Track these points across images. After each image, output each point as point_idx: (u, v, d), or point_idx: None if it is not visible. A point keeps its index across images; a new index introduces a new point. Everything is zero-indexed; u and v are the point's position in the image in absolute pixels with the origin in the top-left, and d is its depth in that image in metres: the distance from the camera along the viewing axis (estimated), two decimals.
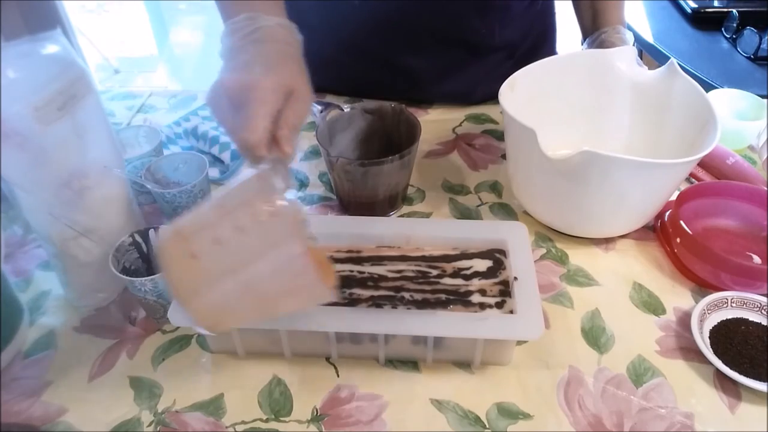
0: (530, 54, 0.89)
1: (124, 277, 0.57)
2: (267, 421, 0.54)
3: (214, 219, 0.46)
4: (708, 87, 0.82)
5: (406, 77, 0.91)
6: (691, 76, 0.70)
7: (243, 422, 0.54)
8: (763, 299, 0.60)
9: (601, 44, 0.82)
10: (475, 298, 0.57)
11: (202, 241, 0.45)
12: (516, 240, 0.61)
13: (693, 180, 0.78)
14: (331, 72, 0.93)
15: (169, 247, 0.46)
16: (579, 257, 0.69)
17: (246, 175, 0.48)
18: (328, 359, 0.59)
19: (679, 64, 0.71)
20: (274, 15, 0.54)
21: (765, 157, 0.80)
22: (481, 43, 0.88)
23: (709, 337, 0.58)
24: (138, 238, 0.61)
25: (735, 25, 1.34)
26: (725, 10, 1.39)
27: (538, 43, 0.95)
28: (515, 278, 0.57)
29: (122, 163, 0.64)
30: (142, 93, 1.02)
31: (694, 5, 1.44)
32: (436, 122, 0.92)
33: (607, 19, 0.83)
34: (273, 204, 0.45)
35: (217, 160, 0.82)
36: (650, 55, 1.37)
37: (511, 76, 0.70)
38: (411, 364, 0.58)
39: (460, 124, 0.92)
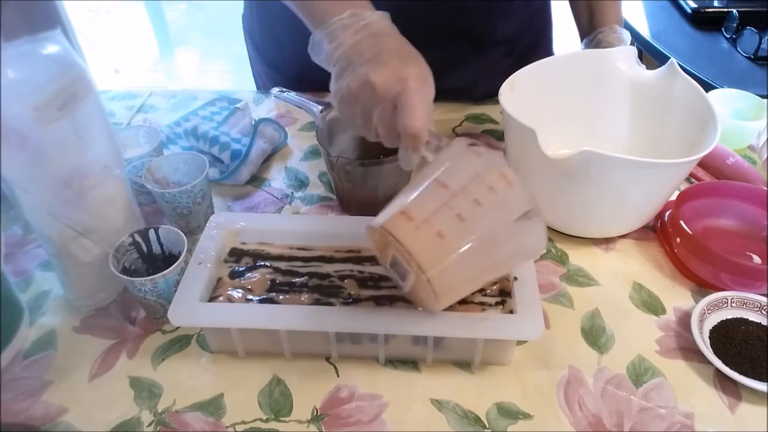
0: (528, 52, 0.89)
1: (124, 277, 0.57)
2: (267, 421, 0.54)
3: (446, 198, 0.47)
4: (708, 87, 0.82)
5: None
6: (691, 76, 0.70)
7: (243, 422, 0.54)
8: (763, 299, 0.60)
9: (599, 44, 0.82)
10: (475, 298, 0.57)
11: (445, 220, 0.47)
12: None
13: (693, 180, 0.78)
14: None
15: (403, 230, 0.47)
16: (579, 257, 0.69)
17: (457, 155, 0.50)
18: (328, 359, 0.59)
19: (679, 64, 0.71)
20: (368, 8, 0.54)
21: (765, 157, 0.80)
22: (483, 36, 0.88)
23: (709, 337, 0.58)
24: (138, 238, 0.61)
25: (735, 25, 1.34)
26: (725, 10, 1.39)
27: (536, 41, 0.96)
28: (515, 278, 0.57)
29: (122, 163, 0.64)
30: (142, 93, 1.02)
31: (694, 5, 1.44)
32: (436, 122, 0.92)
33: (605, 18, 0.83)
34: (504, 173, 0.47)
35: (217, 160, 0.82)
36: (650, 54, 1.37)
37: (511, 76, 0.70)
38: (411, 364, 0.58)
39: (460, 124, 0.92)
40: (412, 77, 0.49)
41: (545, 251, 0.51)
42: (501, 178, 0.48)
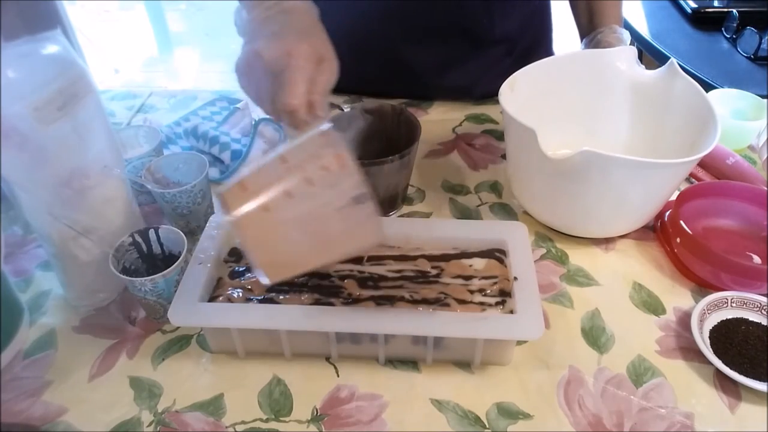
0: (528, 51, 0.89)
1: (124, 277, 0.57)
2: (267, 421, 0.54)
3: (281, 173, 0.48)
4: (708, 87, 0.82)
5: (407, 71, 0.91)
6: (691, 76, 0.70)
7: (243, 422, 0.54)
8: (763, 299, 0.60)
9: (598, 44, 0.82)
10: (476, 298, 0.57)
11: (274, 195, 0.48)
12: (516, 240, 0.61)
13: (693, 180, 0.78)
14: None
15: (235, 200, 0.48)
16: (579, 257, 0.69)
17: (309, 134, 0.50)
18: (328, 359, 0.59)
19: (679, 64, 0.71)
20: None
21: (765, 157, 0.80)
22: (481, 34, 0.88)
23: (709, 337, 0.58)
24: (138, 238, 0.62)
25: (735, 25, 1.34)
26: (725, 10, 1.39)
27: (536, 40, 0.96)
28: (515, 278, 0.57)
29: (122, 163, 0.64)
30: (142, 93, 1.02)
31: (694, 5, 1.44)
32: (436, 122, 0.92)
33: (604, 18, 0.83)
34: (340, 155, 0.48)
35: (217, 160, 0.82)
36: (650, 54, 1.37)
37: (511, 76, 0.70)
38: (411, 364, 0.58)
39: (460, 124, 0.92)
40: (300, 55, 0.50)
41: (381, 241, 0.52)
42: (336, 159, 0.48)
